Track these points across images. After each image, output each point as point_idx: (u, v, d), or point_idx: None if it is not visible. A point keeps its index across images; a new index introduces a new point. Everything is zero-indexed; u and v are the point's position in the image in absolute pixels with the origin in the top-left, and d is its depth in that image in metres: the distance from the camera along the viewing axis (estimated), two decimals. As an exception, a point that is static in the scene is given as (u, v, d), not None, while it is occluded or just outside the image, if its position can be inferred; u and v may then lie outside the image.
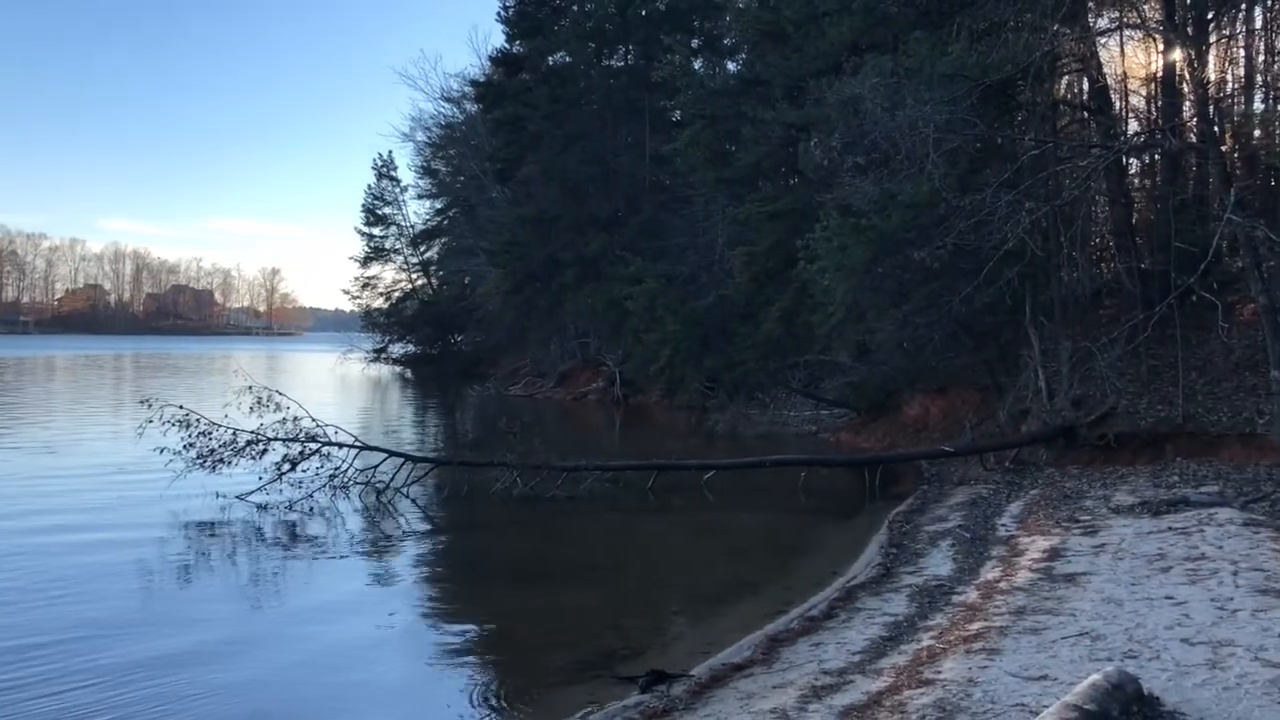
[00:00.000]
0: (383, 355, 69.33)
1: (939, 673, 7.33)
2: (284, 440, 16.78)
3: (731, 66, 40.75)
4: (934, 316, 19.48)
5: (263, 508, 15.77)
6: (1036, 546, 11.69)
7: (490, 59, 51.21)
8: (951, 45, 19.98)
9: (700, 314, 30.69)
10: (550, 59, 45.55)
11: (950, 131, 18.38)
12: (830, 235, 19.85)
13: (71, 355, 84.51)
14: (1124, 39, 22.05)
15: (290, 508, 15.78)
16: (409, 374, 65.51)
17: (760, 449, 22.83)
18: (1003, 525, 13.51)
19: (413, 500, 16.98)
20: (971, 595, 9.88)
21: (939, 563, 11.75)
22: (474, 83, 54.01)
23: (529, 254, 44.18)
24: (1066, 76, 24.11)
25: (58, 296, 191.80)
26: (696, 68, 39.35)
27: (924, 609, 9.65)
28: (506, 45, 48.23)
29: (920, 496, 16.89)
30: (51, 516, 15.20)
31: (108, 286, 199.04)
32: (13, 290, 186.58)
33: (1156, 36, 19.08)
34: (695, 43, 43.06)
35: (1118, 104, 23.15)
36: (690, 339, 30.56)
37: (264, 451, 16.64)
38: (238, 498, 16.05)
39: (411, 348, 69.36)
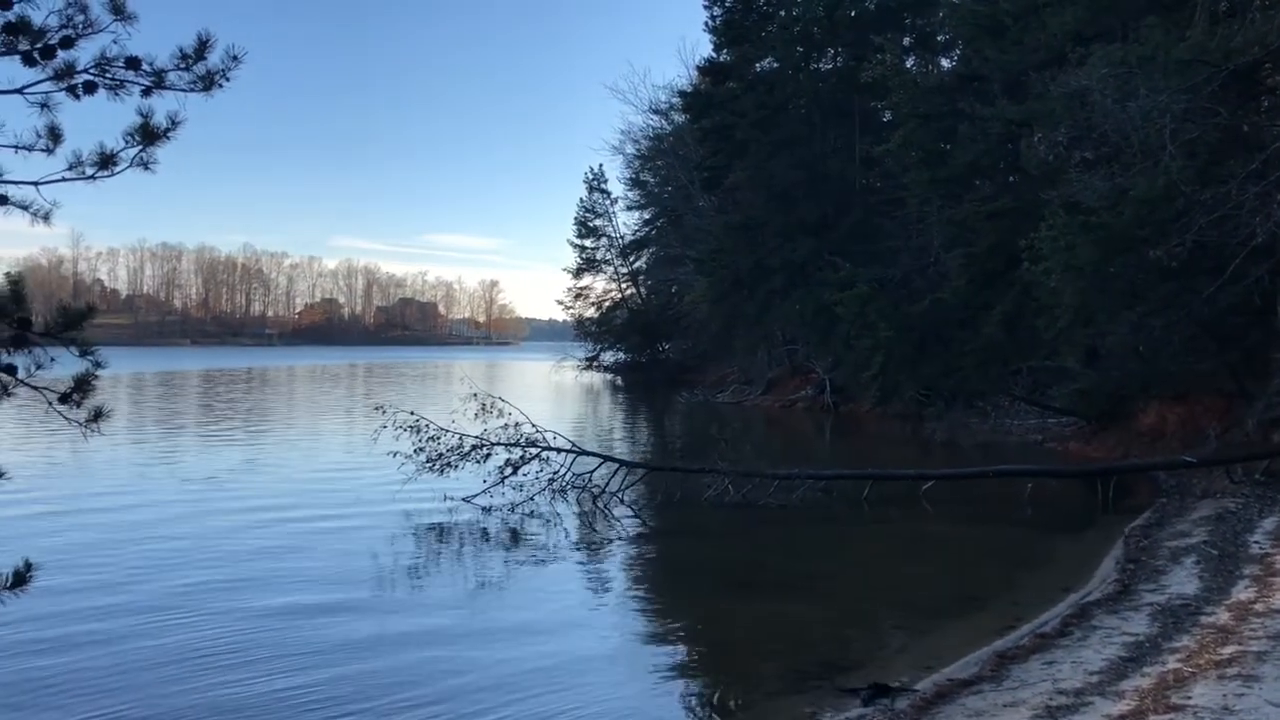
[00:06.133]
0: (594, 363, 71.44)
1: (1188, 698, 6.84)
2: (506, 445, 17.42)
3: (945, 63, 39.59)
4: (1172, 318, 18.35)
5: (486, 510, 16.40)
6: (1297, 566, 10.75)
7: (698, 69, 51.70)
8: (1189, 30, 18.72)
9: (915, 319, 29.83)
10: (757, 65, 45.46)
11: (1188, 121, 17.31)
12: (1057, 234, 18.95)
13: (310, 365, 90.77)
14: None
15: (512, 510, 16.36)
16: (619, 381, 66.97)
17: (981, 459, 22.02)
18: (1255, 542, 12.49)
19: (627, 505, 17.27)
20: (1222, 616, 9.17)
21: (1183, 581, 10.97)
22: (681, 93, 54.56)
23: (736, 261, 44.20)
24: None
25: (297, 310, 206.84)
26: (908, 66, 38.41)
27: (1168, 629, 9.03)
28: (714, 54, 48.59)
29: (1159, 510, 15.86)
30: (296, 513, 16.33)
31: (341, 300, 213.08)
32: (259, 305, 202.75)
33: None
34: (906, 41, 42.06)
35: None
36: (904, 345, 29.75)
37: (488, 456, 17.33)
38: (464, 500, 16.76)
39: (621, 356, 71.04)
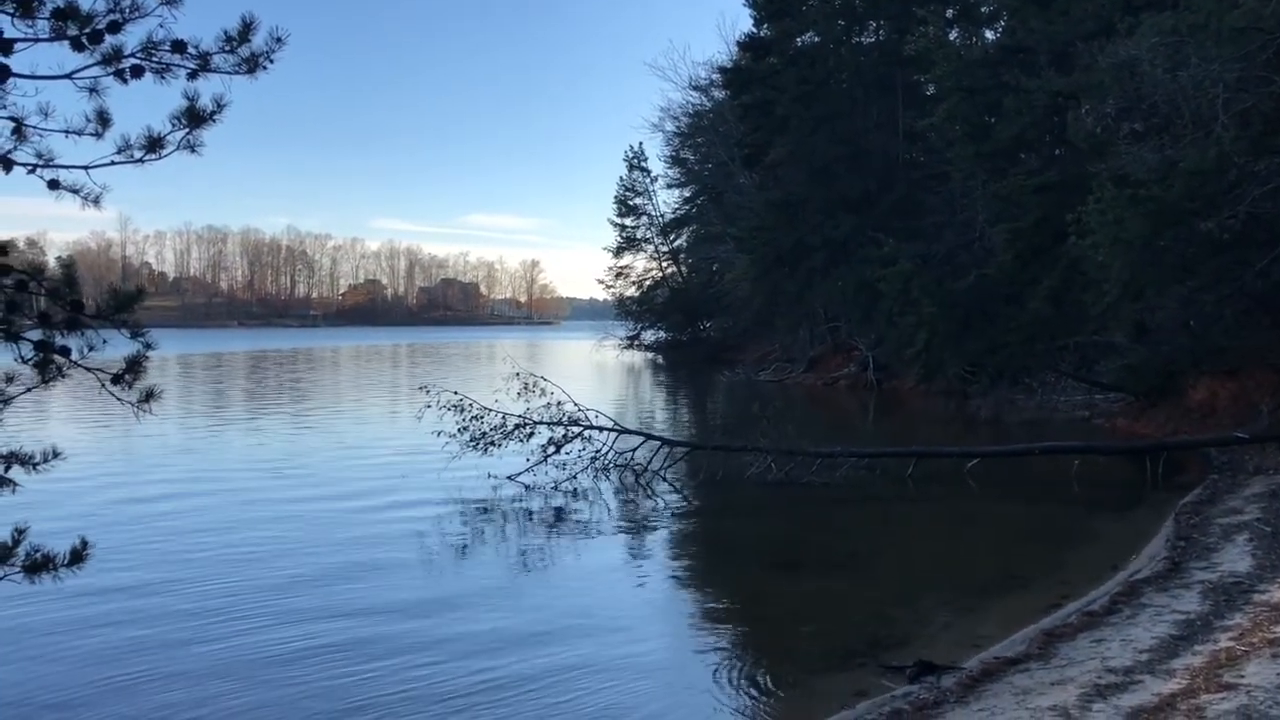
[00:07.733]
0: (635, 342, 71.65)
1: (1241, 677, 6.75)
2: (549, 424, 17.49)
3: (990, 35, 38.97)
4: (1224, 292, 18.01)
5: (530, 488, 16.49)
6: (1353, 544, 10.54)
7: (738, 44, 51.22)
8: (1243, -4, 18.28)
9: (959, 295, 29.48)
10: (798, 40, 45.01)
11: (1242, 90, 16.91)
12: (1105, 208, 18.61)
13: (355, 346, 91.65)
14: None
15: (555, 489, 16.43)
16: (660, 360, 67.02)
17: (1027, 436, 21.78)
18: (1310, 520, 12.26)
19: (669, 483, 17.29)
20: (1276, 594, 9.03)
21: (1235, 558, 10.80)
22: (722, 69, 54.19)
23: (777, 238, 43.90)
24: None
25: (341, 291, 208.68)
26: (952, 39, 37.88)
27: (1220, 607, 8.90)
28: (754, 29, 48.10)
29: (1210, 487, 15.61)
30: (343, 492, 16.57)
31: (384, 281, 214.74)
32: (303, 286, 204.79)
33: None
34: (950, 13, 41.39)
35: None
36: (949, 321, 29.40)
37: (531, 435, 17.41)
38: (508, 478, 16.85)
39: (662, 334, 71.18)
